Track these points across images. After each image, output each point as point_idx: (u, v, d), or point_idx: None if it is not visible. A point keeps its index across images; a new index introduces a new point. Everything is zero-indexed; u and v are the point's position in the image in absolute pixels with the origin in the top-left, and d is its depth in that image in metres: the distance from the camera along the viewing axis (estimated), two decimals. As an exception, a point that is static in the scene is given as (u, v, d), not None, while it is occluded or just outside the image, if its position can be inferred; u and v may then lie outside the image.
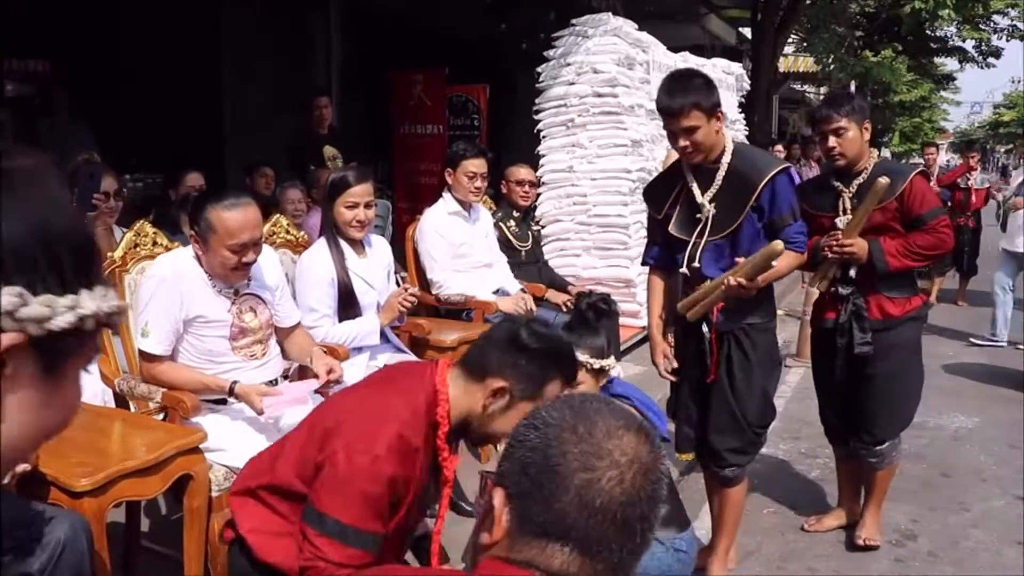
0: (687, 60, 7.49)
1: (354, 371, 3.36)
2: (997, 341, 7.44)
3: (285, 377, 3.06)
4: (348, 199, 3.45)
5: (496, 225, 4.97)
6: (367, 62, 8.41)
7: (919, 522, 3.89)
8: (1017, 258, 7.40)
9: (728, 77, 8.31)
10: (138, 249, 3.06)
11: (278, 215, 3.77)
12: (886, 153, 29.71)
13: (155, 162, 6.51)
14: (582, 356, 2.46)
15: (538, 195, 6.34)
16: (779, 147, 10.17)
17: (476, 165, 4.43)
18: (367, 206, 3.48)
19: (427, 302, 4.55)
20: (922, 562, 3.53)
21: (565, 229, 6.40)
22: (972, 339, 7.59)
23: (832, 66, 11.41)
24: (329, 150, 6.21)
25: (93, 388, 3.04)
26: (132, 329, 2.89)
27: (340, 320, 3.44)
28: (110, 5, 6.47)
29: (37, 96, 6.55)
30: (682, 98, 2.86)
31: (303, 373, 3.11)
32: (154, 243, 3.12)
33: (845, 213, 3.35)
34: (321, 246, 3.47)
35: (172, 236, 3.55)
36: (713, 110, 2.89)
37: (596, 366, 2.62)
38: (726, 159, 2.98)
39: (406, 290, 3.54)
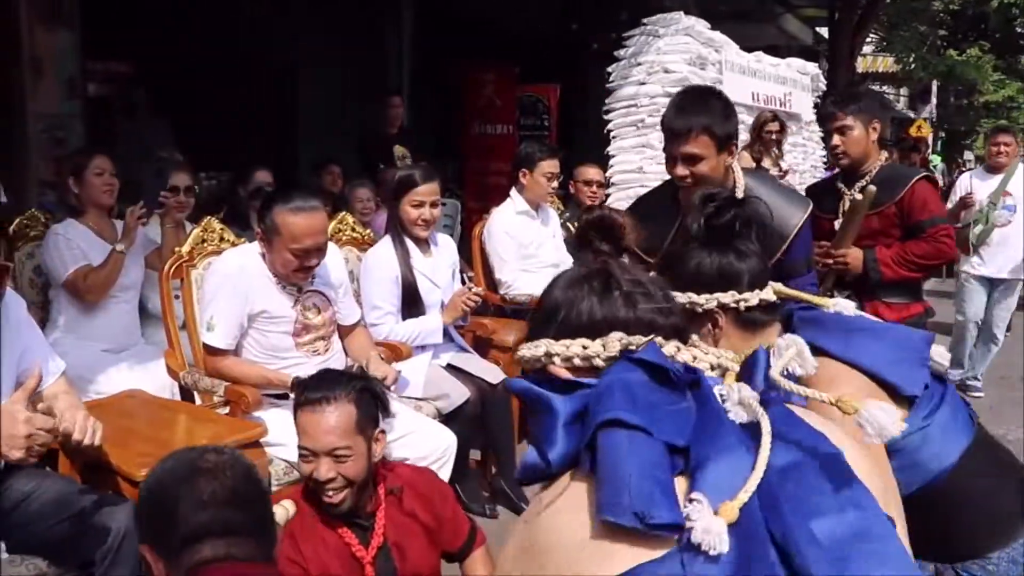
0: (761, 60, 7.35)
1: (417, 369, 3.36)
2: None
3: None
4: (414, 198, 3.44)
5: (563, 225, 4.93)
6: (438, 61, 8.43)
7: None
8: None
9: (803, 78, 8.11)
10: (205, 244, 3.10)
11: (344, 212, 3.78)
12: (969, 156, 28.84)
13: (231, 160, 6.64)
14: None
15: (607, 196, 6.29)
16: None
17: (552, 165, 4.42)
18: (433, 205, 3.48)
19: (493, 302, 4.53)
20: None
21: (634, 230, 6.33)
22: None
23: (913, 65, 11.05)
24: (399, 149, 6.23)
25: (160, 381, 3.09)
26: (198, 323, 2.92)
27: (404, 318, 3.44)
28: (188, 7, 6.61)
29: (118, 97, 6.73)
30: (693, 118, 2.43)
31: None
32: (221, 239, 3.16)
33: (843, 215, 3.23)
34: (386, 244, 3.47)
35: (241, 232, 3.60)
36: (727, 141, 2.46)
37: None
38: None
39: (470, 289, 3.52)
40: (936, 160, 21.19)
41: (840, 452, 1.03)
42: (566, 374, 1.15)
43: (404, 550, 2.10)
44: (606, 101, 6.45)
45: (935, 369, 1.64)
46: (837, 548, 0.92)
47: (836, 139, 3.20)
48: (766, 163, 6.02)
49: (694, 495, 0.94)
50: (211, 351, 2.77)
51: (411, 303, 3.43)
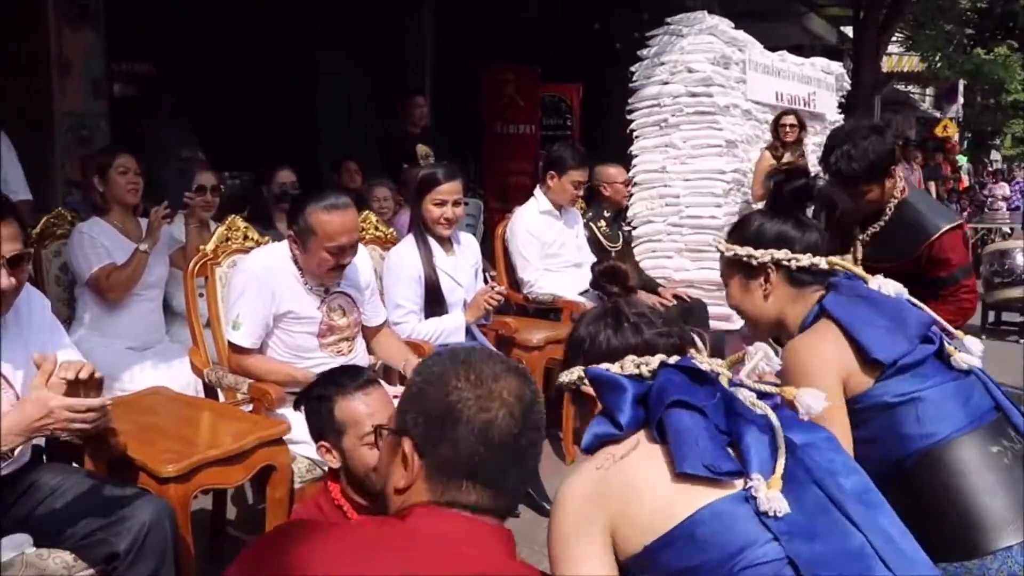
0: (785, 59, 7.30)
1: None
2: None
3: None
4: (437, 196, 3.45)
5: (586, 225, 4.92)
6: (460, 61, 8.45)
7: None
8: None
9: (828, 77, 8.06)
10: (229, 243, 3.12)
11: (367, 211, 3.79)
12: (996, 156, 28.49)
13: (254, 159, 6.69)
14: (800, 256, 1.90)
15: (630, 195, 6.27)
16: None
17: (582, 175, 4.43)
18: (455, 204, 3.48)
19: (516, 301, 4.53)
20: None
21: (657, 230, 6.29)
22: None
23: (939, 64, 10.92)
24: (422, 148, 6.24)
25: (184, 378, 3.11)
26: (222, 321, 2.94)
27: (426, 317, 3.44)
28: (211, 8, 6.66)
29: (142, 97, 6.79)
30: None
31: (387, 373, 3.10)
32: (245, 237, 3.18)
33: (856, 263, 2.98)
34: (409, 243, 3.47)
35: (264, 231, 3.62)
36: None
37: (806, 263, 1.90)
38: None
39: (492, 288, 3.52)
40: (962, 160, 20.98)
41: (832, 434, 1.48)
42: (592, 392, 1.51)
43: None
44: (629, 101, 6.43)
45: (957, 355, 1.78)
46: (856, 496, 1.35)
47: (852, 204, 2.97)
48: (786, 160, 5.99)
49: (753, 476, 1.32)
50: (236, 349, 2.78)
51: (433, 302, 3.43)
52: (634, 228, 6.34)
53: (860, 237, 3.07)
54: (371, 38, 7.91)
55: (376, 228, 3.75)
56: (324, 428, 2.08)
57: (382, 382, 2.59)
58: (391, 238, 3.74)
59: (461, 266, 3.57)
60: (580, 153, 4.54)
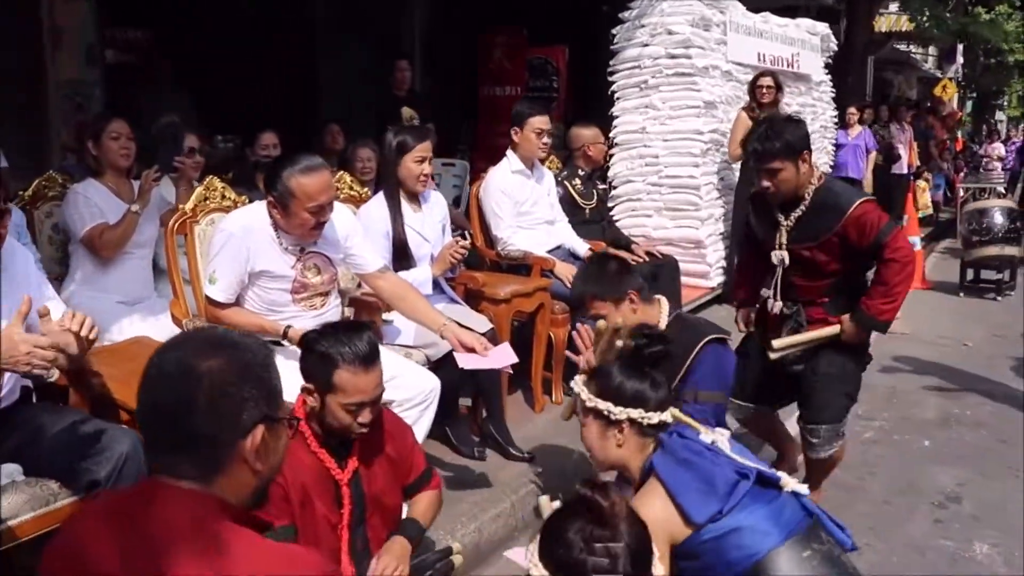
0: (768, 21, 7.41)
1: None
2: None
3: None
4: (417, 154, 3.64)
5: (561, 183, 5.09)
6: (453, 24, 8.56)
7: (966, 485, 3.88)
8: None
9: (813, 38, 8.16)
10: (208, 202, 3.33)
11: (342, 172, 3.98)
12: (1001, 116, 28.30)
13: (252, 124, 6.87)
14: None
15: (610, 156, 6.44)
16: (852, 108, 9.80)
17: (542, 122, 4.53)
18: (429, 161, 3.68)
19: (489, 257, 4.73)
20: (963, 524, 3.54)
21: (636, 190, 6.49)
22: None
23: (927, 24, 10.91)
24: (407, 111, 6.41)
25: (168, 329, 3.33)
26: (201, 276, 3.15)
27: (395, 271, 3.63)
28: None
29: (140, 65, 6.96)
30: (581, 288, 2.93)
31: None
32: (223, 196, 3.38)
33: (781, 248, 3.26)
34: (379, 201, 3.67)
35: (247, 193, 3.80)
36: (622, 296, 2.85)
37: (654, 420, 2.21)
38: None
39: (457, 242, 3.71)
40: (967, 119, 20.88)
41: None
42: None
43: (373, 476, 2.33)
44: (610, 63, 6.58)
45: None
46: None
47: (765, 181, 3.18)
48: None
49: None
50: (212, 302, 2.97)
51: (401, 257, 3.63)
52: (615, 187, 6.52)
53: (783, 223, 3.26)
54: (369, 5, 8.02)
55: (350, 187, 3.95)
56: (317, 378, 2.25)
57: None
58: (365, 197, 3.93)
59: (428, 222, 3.77)
60: (538, 103, 4.68)
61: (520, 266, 4.60)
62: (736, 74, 6.79)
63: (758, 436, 3.76)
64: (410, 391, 3.08)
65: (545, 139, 4.53)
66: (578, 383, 2.31)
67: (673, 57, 6.30)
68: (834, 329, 3.25)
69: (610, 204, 6.41)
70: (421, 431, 3.10)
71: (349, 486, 2.30)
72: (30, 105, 5.24)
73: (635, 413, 2.15)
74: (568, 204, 5.05)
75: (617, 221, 6.37)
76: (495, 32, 8.08)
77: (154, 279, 3.94)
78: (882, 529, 3.48)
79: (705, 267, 6.35)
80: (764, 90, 6.22)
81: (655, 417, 2.16)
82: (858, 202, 3.15)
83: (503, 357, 3.09)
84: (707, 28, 6.49)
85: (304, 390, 2.27)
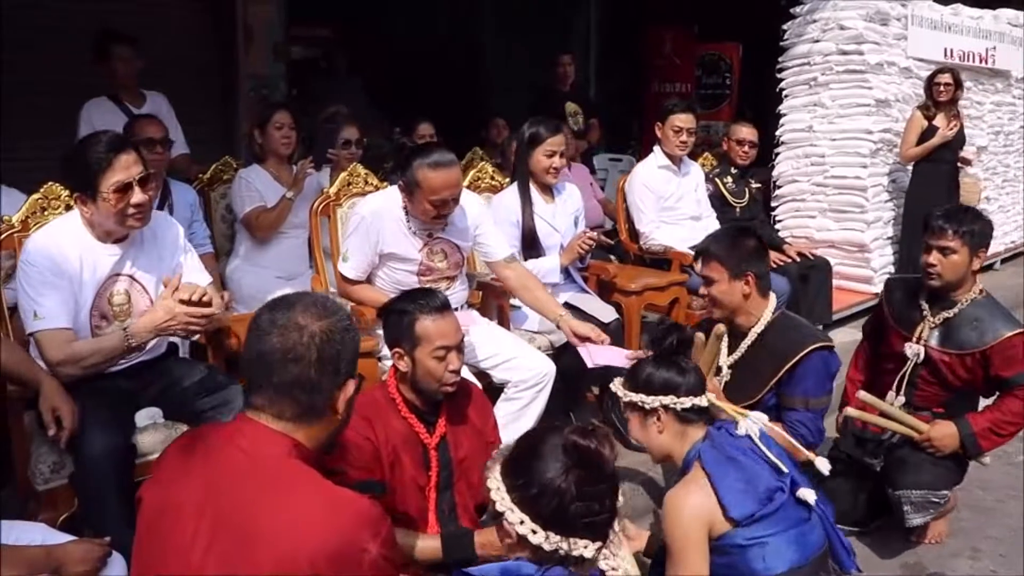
0: (959, 13, 6.96)
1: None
2: None
3: (465, 307, 3.40)
4: (548, 148, 3.76)
5: (712, 180, 5.06)
6: (626, 20, 8.59)
7: None
8: None
9: (1014, 30, 7.58)
10: (350, 187, 3.59)
11: (484, 163, 4.16)
12: None
13: (426, 115, 7.23)
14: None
15: (776, 154, 6.30)
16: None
17: (683, 120, 4.55)
18: (561, 155, 3.79)
19: (632, 251, 4.78)
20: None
21: (801, 190, 6.30)
22: None
23: None
24: (571, 106, 6.52)
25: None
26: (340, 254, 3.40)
27: (525, 259, 3.77)
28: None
29: (322, 59, 7.49)
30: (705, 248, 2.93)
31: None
32: (365, 182, 3.63)
33: (919, 341, 3.11)
34: (512, 191, 3.83)
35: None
36: (738, 271, 2.84)
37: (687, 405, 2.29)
38: (758, 328, 2.90)
39: (585, 233, 3.80)
40: None
41: None
42: None
43: (459, 443, 2.47)
44: (779, 59, 6.42)
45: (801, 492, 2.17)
46: None
47: (934, 257, 3.05)
48: (939, 121, 5.80)
49: None
50: (344, 279, 3.22)
51: (530, 245, 3.77)
52: (779, 187, 6.37)
53: (929, 318, 3.14)
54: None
55: (492, 178, 4.12)
56: (401, 338, 2.43)
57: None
58: (504, 187, 4.08)
59: (560, 213, 3.87)
60: (684, 101, 4.70)
61: (664, 260, 4.62)
62: (917, 71, 6.43)
63: None
64: (525, 373, 3.20)
65: (684, 137, 4.54)
66: (615, 383, 2.40)
67: (844, 53, 6.06)
68: (923, 425, 3.07)
69: (773, 204, 6.29)
70: (535, 412, 3.23)
71: (436, 450, 2.45)
72: (223, 97, 5.79)
73: (667, 400, 2.24)
74: (718, 201, 5.01)
75: (780, 221, 6.24)
76: (665, 28, 8.06)
77: (310, 257, 4.28)
78: (1014, 556, 3.26)
79: (869, 272, 6.08)
80: (942, 88, 5.86)
81: (687, 401, 2.25)
82: (1016, 331, 3.01)
83: (617, 357, 3.04)
84: (884, 23, 6.19)
85: (394, 356, 2.44)
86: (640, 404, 2.29)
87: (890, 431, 3.13)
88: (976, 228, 3.05)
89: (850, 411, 3.13)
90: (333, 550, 1.45)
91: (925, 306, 3.16)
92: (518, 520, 1.62)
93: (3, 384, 2.55)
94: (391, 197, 3.21)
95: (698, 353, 2.68)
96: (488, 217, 3.41)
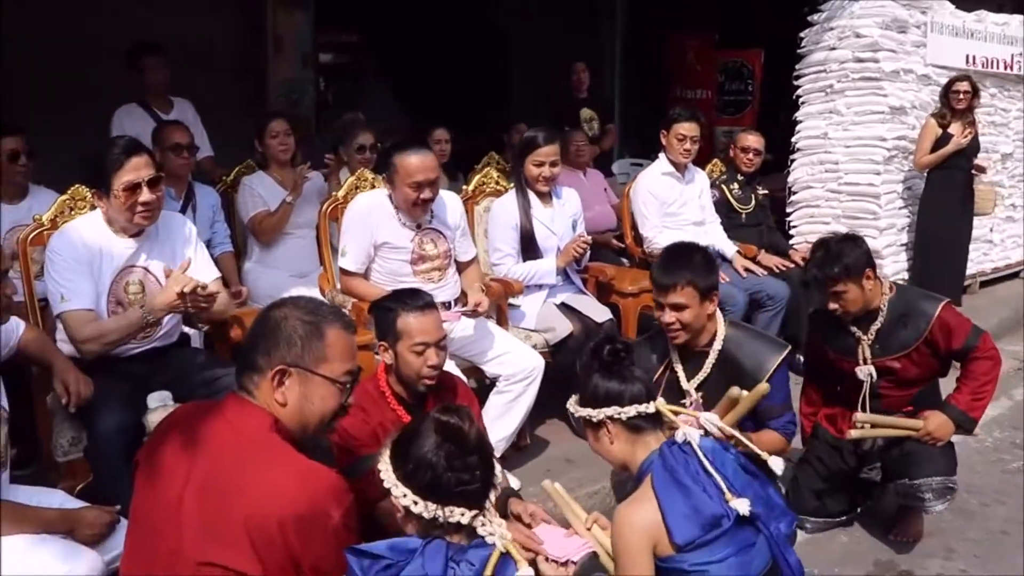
0: (982, 20, 6.97)
1: (532, 304, 3.90)
2: None
3: (456, 301, 3.59)
4: (536, 157, 3.94)
5: (718, 186, 5.18)
6: (648, 27, 8.69)
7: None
8: None
9: (1037, 38, 7.55)
10: (358, 190, 3.81)
11: (488, 167, 4.35)
12: None
13: (450, 120, 7.44)
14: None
15: (791, 161, 6.39)
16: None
17: (687, 128, 4.68)
18: (552, 164, 3.96)
19: (636, 255, 4.94)
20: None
21: (815, 196, 6.38)
22: None
23: None
24: (586, 112, 6.66)
25: (311, 296, 3.86)
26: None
27: (523, 260, 3.96)
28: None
29: (350, 64, 7.73)
30: (676, 274, 2.82)
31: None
32: (372, 186, 3.85)
33: (865, 363, 3.22)
34: (511, 196, 4.01)
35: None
36: (708, 292, 2.83)
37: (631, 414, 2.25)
38: (717, 345, 2.91)
39: (580, 236, 3.97)
40: None
41: None
42: None
43: None
44: (796, 67, 6.51)
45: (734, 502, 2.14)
46: None
47: (832, 304, 3.16)
48: (954, 129, 5.84)
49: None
50: (344, 272, 3.45)
51: (527, 248, 3.95)
52: (794, 193, 6.46)
53: (864, 338, 3.23)
54: (565, 6, 8.34)
55: (496, 182, 4.32)
56: (386, 333, 2.64)
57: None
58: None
59: (558, 217, 4.04)
60: (689, 111, 4.82)
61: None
62: (936, 78, 6.46)
63: None
64: (515, 367, 3.41)
65: (687, 145, 4.67)
66: (570, 401, 2.39)
67: (860, 61, 6.13)
68: (919, 423, 3.16)
69: (788, 210, 6.37)
70: (524, 404, 3.45)
71: None
72: (254, 102, 6.05)
73: (610, 411, 2.22)
74: (724, 207, 5.14)
75: (794, 227, 6.32)
76: (686, 35, 8.17)
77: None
78: (988, 558, 3.33)
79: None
80: (960, 95, 5.88)
81: (632, 410, 2.21)
82: (941, 305, 3.17)
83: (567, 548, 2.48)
84: (902, 30, 6.25)
85: (380, 349, 2.65)
86: (588, 418, 2.28)
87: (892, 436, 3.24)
88: (847, 262, 3.10)
89: (853, 433, 3.20)
90: (301, 514, 1.66)
91: (854, 329, 3.26)
92: (402, 494, 1.77)
93: (29, 368, 2.82)
94: (380, 194, 3.46)
95: (722, 411, 2.64)
96: (465, 222, 3.66)
